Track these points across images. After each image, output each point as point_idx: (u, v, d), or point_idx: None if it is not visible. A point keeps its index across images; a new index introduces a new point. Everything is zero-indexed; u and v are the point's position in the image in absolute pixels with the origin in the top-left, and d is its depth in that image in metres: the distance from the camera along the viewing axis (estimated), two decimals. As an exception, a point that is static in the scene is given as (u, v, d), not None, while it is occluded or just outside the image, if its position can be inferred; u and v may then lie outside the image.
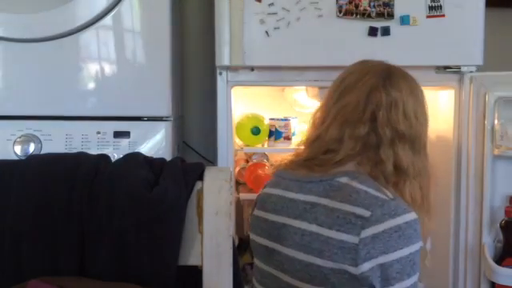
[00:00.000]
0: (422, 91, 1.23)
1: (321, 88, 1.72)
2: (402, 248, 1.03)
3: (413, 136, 1.16)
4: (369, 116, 1.13)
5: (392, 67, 1.22)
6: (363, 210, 1.04)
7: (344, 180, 1.10)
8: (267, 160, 1.96)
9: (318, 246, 1.06)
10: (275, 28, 1.53)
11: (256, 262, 1.23)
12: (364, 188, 1.08)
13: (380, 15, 1.54)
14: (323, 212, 1.08)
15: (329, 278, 1.05)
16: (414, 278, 1.06)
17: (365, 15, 1.53)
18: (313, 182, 1.14)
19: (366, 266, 1.02)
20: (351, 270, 1.03)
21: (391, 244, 1.02)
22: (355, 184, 1.09)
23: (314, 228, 1.08)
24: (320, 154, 1.16)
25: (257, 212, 1.23)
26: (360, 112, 1.13)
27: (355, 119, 1.13)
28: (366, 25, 1.54)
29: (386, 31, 1.54)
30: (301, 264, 1.09)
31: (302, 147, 1.24)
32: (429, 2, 1.55)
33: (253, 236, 1.23)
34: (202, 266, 0.79)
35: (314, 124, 1.22)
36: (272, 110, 1.93)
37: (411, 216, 1.06)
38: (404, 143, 1.14)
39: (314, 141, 1.19)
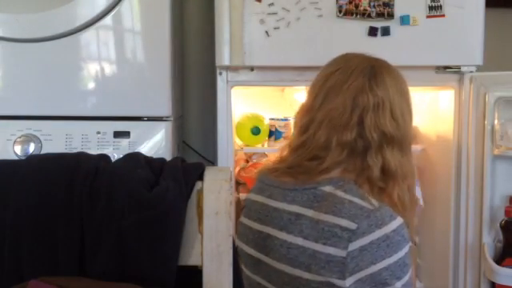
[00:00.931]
0: (406, 84, 1.19)
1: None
2: (390, 256, 1.02)
3: (400, 137, 1.13)
4: (356, 120, 1.10)
5: (376, 63, 1.17)
6: (349, 222, 1.01)
7: (328, 189, 1.07)
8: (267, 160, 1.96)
9: (305, 259, 1.04)
10: (275, 28, 1.53)
11: (244, 270, 1.20)
12: (348, 197, 1.05)
13: (380, 15, 1.54)
14: (308, 224, 1.05)
15: None
16: (405, 279, 1.05)
17: (365, 15, 1.53)
18: (296, 191, 1.10)
19: (354, 278, 1.01)
20: (339, 283, 1.01)
21: (380, 254, 1.01)
22: (339, 193, 1.06)
23: (299, 241, 1.05)
24: (305, 160, 1.13)
25: (243, 219, 1.21)
26: (347, 117, 1.10)
27: (342, 124, 1.10)
28: (365, 25, 1.54)
29: (386, 31, 1.54)
30: (289, 277, 1.07)
31: (286, 152, 1.20)
32: (429, 2, 1.55)
33: (240, 243, 1.20)
34: (201, 266, 0.79)
35: (299, 129, 1.18)
36: (272, 110, 1.93)
37: (397, 222, 1.04)
38: (392, 146, 1.11)
39: (298, 147, 1.15)
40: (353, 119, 1.10)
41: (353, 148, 1.10)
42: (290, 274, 1.07)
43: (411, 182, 1.16)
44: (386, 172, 1.10)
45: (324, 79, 1.16)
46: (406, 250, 1.04)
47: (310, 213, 1.06)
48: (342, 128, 1.10)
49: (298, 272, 1.05)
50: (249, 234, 1.17)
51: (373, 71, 1.14)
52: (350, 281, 1.01)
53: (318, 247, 1.03)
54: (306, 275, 1.04)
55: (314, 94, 1.16)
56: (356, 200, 1.04)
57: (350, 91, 1.11)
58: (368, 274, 1.01)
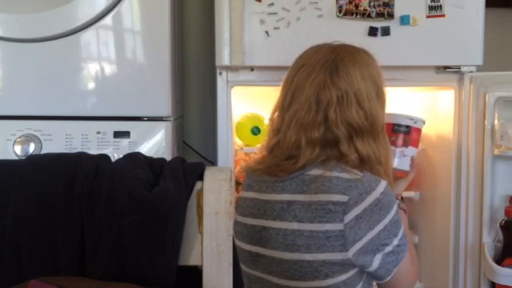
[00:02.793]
0: (373, 66, 1.19)
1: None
2: (384, 217, 1.07)
3: (370, 124, 1.13)
4: (322, 117, 1.11)
5: (339, 53, 1.16)
6: (340, 196, 1.05)
7: (314, 172, 1.10)
8: (267, 160, 1.96)
9: (303, 242, 1.07)
10: (275, 28, 1.53)
11: (243, 267, 1.22)
12: (334, 174, 1.08)
13: (380, 15, 1.54)
14: (301, 208, 1.08)
15: (320, 270, 1.07)
16: (400, 233, 1.10)
17: (365, 15, 1.53)
18: (284, 180, 1.13)
19: (356, 247, 1.05)
20: (342, 255, 1.05)
21: (375, 218, 1.06)
22: (326, 173, 1.09)
23: (295, 226, 1.08)
24: (281, 161, 1.15)
25: (237, 217, 1.23)
26: (313, 114, 1.11)
27: (310, 122, 1.11)
28: (366, 25, 1.54)
29: (385, 31, 1.54)
30: (288, 263, 1.09)
31: (264, 153, 1.22)
32: (429, 2, 1.55)
33: (237, 242, 1.22)
34: (201, 266, 0.79)
35: (273, 130, 1.20)
36: (272, 110, 1.93)
37: (383, 184, 1.09)
38: (362, 135, 1.12)
39: (274, 147, 1.18)
40: (319, 116, 1.11)
41: (324, 143, 1.12)
42: (289, 259, 1.09)
43: (386, 166, 1.18)
44: (361, 160, 1.12)
45: (292, 77, 1.18)
46: (395, 207, 1.10)
47: (301, 197, 1.09)
48: (309, 126, 1.11)
49: (297, 256, 1.07)
50: (243, 230, 1.19)
51: (334, 64, 1.14)
52: (352, 251, 1.05)
53: (315, 227, 1.06)
54: (307, 256, 1.06)
55: (284, 93, 1.18)
56: (341, 175, 1.08)
57: (313, 88, 1.12)
58: (368, 240, 1.06)
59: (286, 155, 1.14)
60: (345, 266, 1.07)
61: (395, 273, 1.10)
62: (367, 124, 1.13)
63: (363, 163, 1.12)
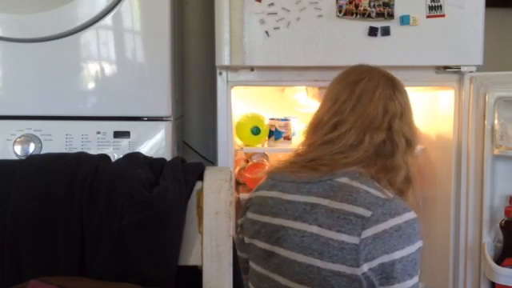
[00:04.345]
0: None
1: (321, 88, 1.72)
2: (403, 248, 1.04)
3: (413, 143, 1.23)
4: (386, 125, 1.19)
5: (392, 75, 1.27)
6: (364, 210, 1.05)
7: (344, 180, 1.12)
8: (267, 160, 1.96)
9: (318, 247, 1.06)
10: (275, 28, 1.53)
11: (252, 265, 1.22)
12: (364, 188, 1.09)
13: (380, 15, 1.54)
14: (323, 213, 1.08)
15: (328, 281, 1.05)
16: (415, 279, 1.07)
17: (365, 15, 1.53)
18: (311, 183, 1.14)
19: (367, 266, 1.03)
20: (352, 270, 1.03)
21: (392, 243, 1.03)
22: (355, 184, 1.10)
23: (314, 229, 1.08)
24: (331, 154, 1.17)
25: (251, 215, 1.23)
26: (379, 120, 1.19)
27: (375, 126, 1.18)
28: (366, 25, 1.54)
29: (385, 31, 1.54)
30: (300, 266, 1.09)
31: (303, 148, 1.24)
32: (429, 2, 1.55)
33: (250, 240, 1.22)
34: (202, 266, 0.79)
35: (324, 127, 1.22)
36: (272, 110, 1.93)
37: (411, 215, 1.08)
38: (411, 151, 1.22)
39: (324, 144, 1.20)
40: (384, 123, 1.19)
41: (379, 149, 1.18)
42: (301, 262, 1.08)
43: (415, 185, 1.22)
44: (406, 177, 1.18)
45: (351, 86, 1.23)
46: (417, 245, 1.08)
47: (325, 202, 1.10)
48: (374, 129, 1.18)
49: (310, 260, 1.07)
50: (260, 228, 1.19)
51: (394, 83, 1.24)
52: (363, 269, 1.03)
53: (332, 234, 1.06)
54: (318, 263, 1.06)
55: (343, 99, 1.22)
56: (371, 190, 1.09)
57: (381, 98, 1.20)
58: (380, 264, 1.03)
59: (339, 151, 1.17)
60: (352, 283, 1.04)
61: None
62: (413, 140, 1.22)
63: (407, 181, 1.18)
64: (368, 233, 1.03)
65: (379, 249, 1.03)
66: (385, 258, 1.03)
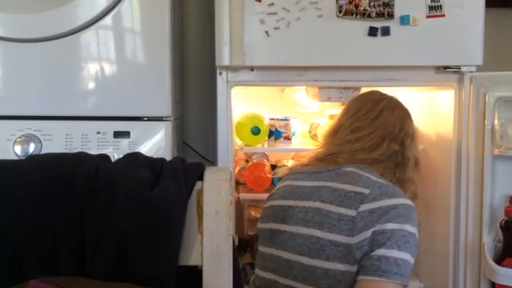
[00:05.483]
0: None
1: (321, 88, 1.72)
2: (396, 223, 1.10)
3: (419, 164, 1.37)
4: (400, 140, 1.33)
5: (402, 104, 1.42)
6: (363, 189, 1.15)
7: (350, 169, 1.23)
8: (267, 160, 1.96)
9: (318, 219, 1.16)
10: (275, 28, 1.53)
11: (260, 248, 1.30)
12: (367, 174, 1.20)
13: (380, 15, 1.54)
14: (327, 192, 1.20)
15: (324, 250, 1.13)
16: (404, 255, 1.09)
17: (365, 15, 1.53)
18: (320, 172, 1.26)
19: (361, 236, 1.10)
20: (347, 240, 1.11)
21: (386, 217, 1.11)
22: (360, 172, 1.21)
23: (317, 204, 1.19)
24: (354, 150, 1.31)
25: (266, 204, 1.34)
26: (397, 132, 1.33)
27: (393, 136, 1.32)
28: (366, 25, 1.54)
29: (386, 31, 1.54)
30: (302, 237, 1.17)
31: (323, 148, 1.36)
32: (429, 2, 1.55)
33: (260, 225, 1.32)
34: (202, 266, 0.79)
35: (345, 131, 1.34)
36: (272, 110, 1.93)
37: (408, 201, 1.16)
38: (418, 170, 1.36)
39: (345, 143, 1.32)
40: (399, 137, 1.33)
41: (393, 157, 1.31)
42: (303, 234, 1.17)
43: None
44: (414, 193, 1.33)
45: (374, 102, 1.37)
46: (411, 229, 1.12)
47: (330, 184, 1.22)
48: (392, 139, 1.32)
49: (310, 231, 1.16)
50: (269, 212, 1.29)
51: (408, 111, 1.40)
52: (358, 238, 1.10)
53: (332, 208, 1.16)
54: (318, 233, 1.15)
55: (366, 110, 1.36)
56: (373, 177, 1.20)
57: (400, 116, 1.36)
58: (373, 231, 1.10)
59: (361, 148, 1.29)
60: (346, 255, 1.10)
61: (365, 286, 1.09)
62: (419, 162, 1.37)
63: (414, 197, 1.30)
64: (365, 207, 1.13)
65: (374, 220, 1.10)
66: (377, 227, 1.10)
